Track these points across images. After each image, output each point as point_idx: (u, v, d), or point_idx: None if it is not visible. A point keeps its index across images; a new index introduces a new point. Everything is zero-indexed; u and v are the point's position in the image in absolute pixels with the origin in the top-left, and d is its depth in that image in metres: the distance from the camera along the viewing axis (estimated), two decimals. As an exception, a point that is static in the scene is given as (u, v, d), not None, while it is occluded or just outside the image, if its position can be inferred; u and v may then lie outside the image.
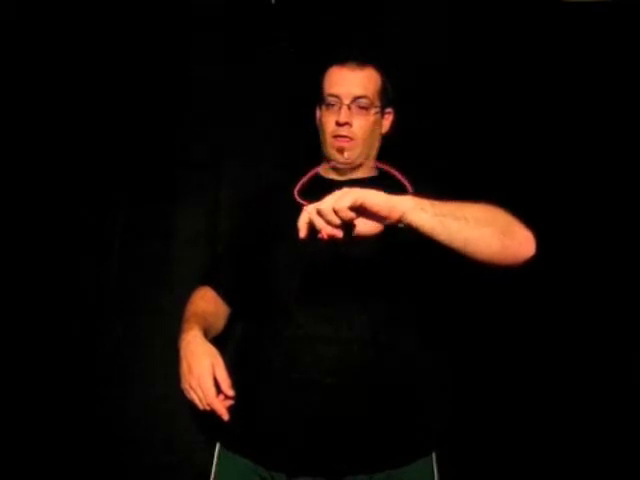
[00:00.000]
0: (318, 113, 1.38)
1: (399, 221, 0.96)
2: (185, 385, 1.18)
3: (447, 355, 1.59)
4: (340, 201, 0.91)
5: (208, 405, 1.14)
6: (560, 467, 1.61)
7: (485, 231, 1.01)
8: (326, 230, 0.92)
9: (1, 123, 1.63)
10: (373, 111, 1.31)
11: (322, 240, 0.93)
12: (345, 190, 0.93)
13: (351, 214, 0.91)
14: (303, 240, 0.95)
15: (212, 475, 1.31)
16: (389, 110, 1.38)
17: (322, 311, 1.22)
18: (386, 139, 1.41)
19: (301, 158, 1.56)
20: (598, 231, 1.65)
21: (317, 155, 1.42)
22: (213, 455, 1.33)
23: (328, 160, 1.37)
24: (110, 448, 1.58)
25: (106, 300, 1.63)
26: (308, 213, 0.94)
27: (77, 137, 1.66)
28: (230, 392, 1.15)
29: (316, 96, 1.38)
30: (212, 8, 1.70)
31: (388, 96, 1.36)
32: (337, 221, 0.91)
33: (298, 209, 0.99)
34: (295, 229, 0.98)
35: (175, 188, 1.69)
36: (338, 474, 1.18)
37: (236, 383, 1.32)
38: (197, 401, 1.16)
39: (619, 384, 1.62)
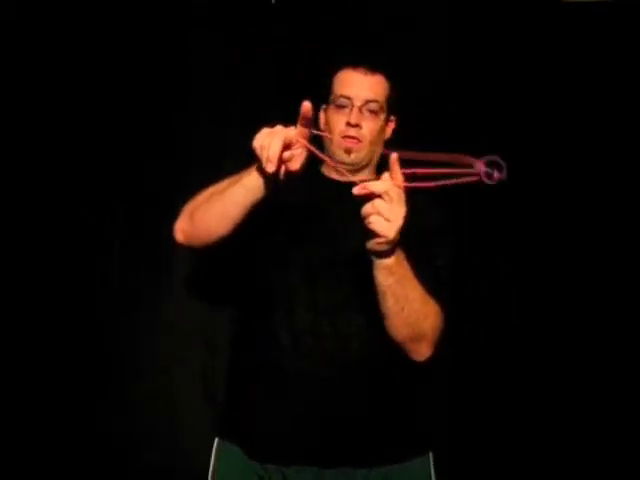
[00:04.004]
0: (322, 114, 1.38)
1: (372, 253, 1.04)
2: (256, 145, 1.12)
3: (445, 354, 1.60)
4: (389, 187, 0.97)
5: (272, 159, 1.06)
6: (559, 467, 1.61)
7: (403, 327, 1.14)
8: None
9: (1, 123, 1.64)
10: (382, 116, 1.33)
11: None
12: (398, 192, 0.99)
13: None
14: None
15: (210, 470, 1.32)
16: (392, 118, 1.39)
17: (321, 306, 1.23)
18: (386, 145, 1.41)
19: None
20: (597, 231, 1.65)
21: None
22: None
23: (331, 160, 1.36)
24: (110, 448, 1.59)
25: (106, 300, 1.64)
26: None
27: (77, 137, 1.66)
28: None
29: (319, 95, 1.37)
30: (212, 8, 1.70)
31: (393, 104, 1.37)
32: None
33: (297, 207, 1.01)
34: (296, 225, 1.01)
35: (175, 188, 1.69)
36: (331, 464, 1.19)
37: (233, 376, 1.33)
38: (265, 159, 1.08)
39: (619, 383, 1.62)
